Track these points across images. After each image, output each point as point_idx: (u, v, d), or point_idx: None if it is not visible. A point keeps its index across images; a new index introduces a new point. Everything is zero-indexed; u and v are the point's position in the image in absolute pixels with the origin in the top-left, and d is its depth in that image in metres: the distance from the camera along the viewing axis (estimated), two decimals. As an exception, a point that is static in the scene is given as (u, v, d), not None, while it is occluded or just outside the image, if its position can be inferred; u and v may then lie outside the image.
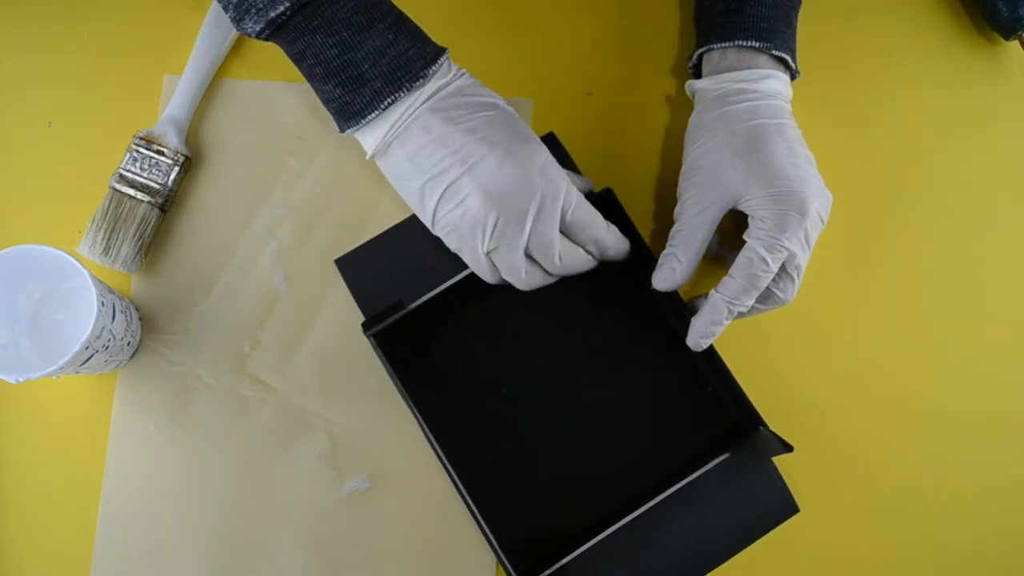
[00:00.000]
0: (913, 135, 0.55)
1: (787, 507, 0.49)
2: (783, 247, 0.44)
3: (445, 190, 0.43)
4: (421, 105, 0.43)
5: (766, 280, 0.45)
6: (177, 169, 0.51)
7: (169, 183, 0.51)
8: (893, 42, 0.57)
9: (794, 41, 0.49)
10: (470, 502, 0.47)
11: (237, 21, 0.43)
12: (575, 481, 0.49)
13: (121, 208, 0.50)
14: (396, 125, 0.43)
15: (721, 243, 0.51)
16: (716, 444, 0.49)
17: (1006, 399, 0.52)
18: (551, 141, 0.52)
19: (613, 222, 0.47)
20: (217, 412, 0.50)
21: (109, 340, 0.45)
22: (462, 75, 0.45)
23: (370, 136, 0.44)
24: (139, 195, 0.50)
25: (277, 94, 0.54)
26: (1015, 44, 0.56)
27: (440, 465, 0.48)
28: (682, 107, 0.55)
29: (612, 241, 0.46)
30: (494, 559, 0.48)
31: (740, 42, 0.47)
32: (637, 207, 0.52)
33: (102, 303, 0.43)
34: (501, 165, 0.43)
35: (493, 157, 0.43)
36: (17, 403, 0.50)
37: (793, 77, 0.49)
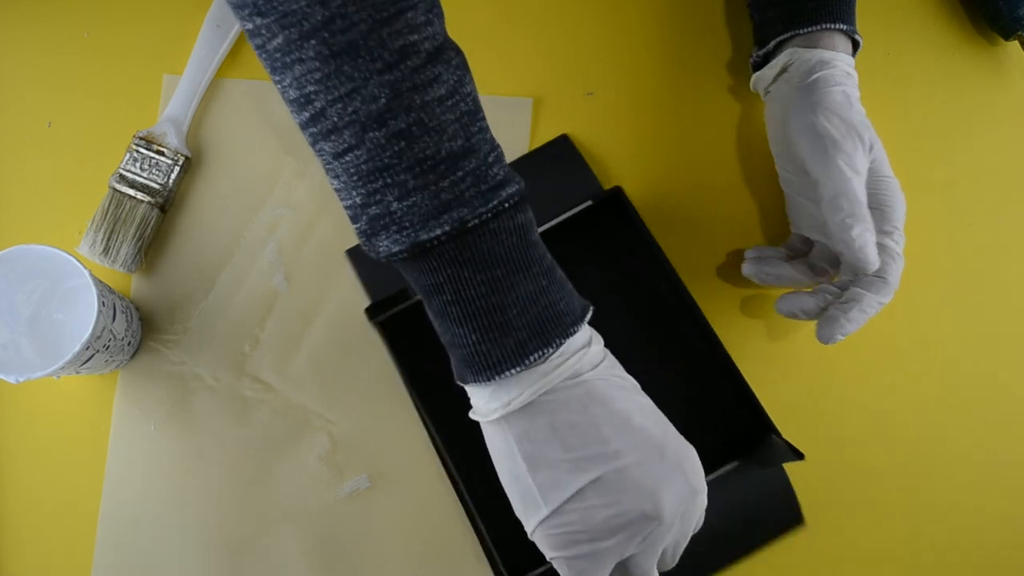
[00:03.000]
0: (912, 135, 0.55)
1: (793, 517, 0.49)
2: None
3: (599, 478, 0.35)
4: (590, 372, 0.36)
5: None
6: (177, 169, 0.51)
7: (169, 183, 0.51)
8: (893, 42, 0.57)
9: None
10: (465, 495, 0.46)
11: (368, 236, 0.36)
12: None
13: (121, 208, 0.50)
14: (545, 385, 0.36)
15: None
16: (726, 449, 0.48)
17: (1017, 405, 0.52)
18: (564, 144, 0.52)
19: (623, 222, 0.45)
20: (217, 412, 0.50)
21: (109, 340, 0.45)
22: (603, 347, 0.39)
23: (501, 394, 0.36)
24: (139, 195, 0.50)
25: (277, 94, 0.53)
26: (1015, 44, 0.56)
27: (440, 463, 0.48)
28: (683, 107, 0.55)
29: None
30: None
31: (826, 25, 0.48)
32: (637, 208, 0.52)
33: (102, 303, 0.43)
34: (672, 474, 0.36)
35: (667, 462, 0.36)
36: (17, 403, 0.50)
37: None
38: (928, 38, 0.57)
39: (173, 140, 0.51)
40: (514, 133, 0.54)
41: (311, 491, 0.49)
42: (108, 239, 0.50)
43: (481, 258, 0.34)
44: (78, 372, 0.45)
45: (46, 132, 0.53)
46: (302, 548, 0.49)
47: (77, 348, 0.42)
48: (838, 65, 0.48)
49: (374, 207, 0.35)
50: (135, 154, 0.51)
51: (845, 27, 0.48)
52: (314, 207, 0.52)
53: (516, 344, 0.35)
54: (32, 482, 0.49)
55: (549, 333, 0.35)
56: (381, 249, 0.35)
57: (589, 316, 0.38)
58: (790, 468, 0.49)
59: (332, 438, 0.50)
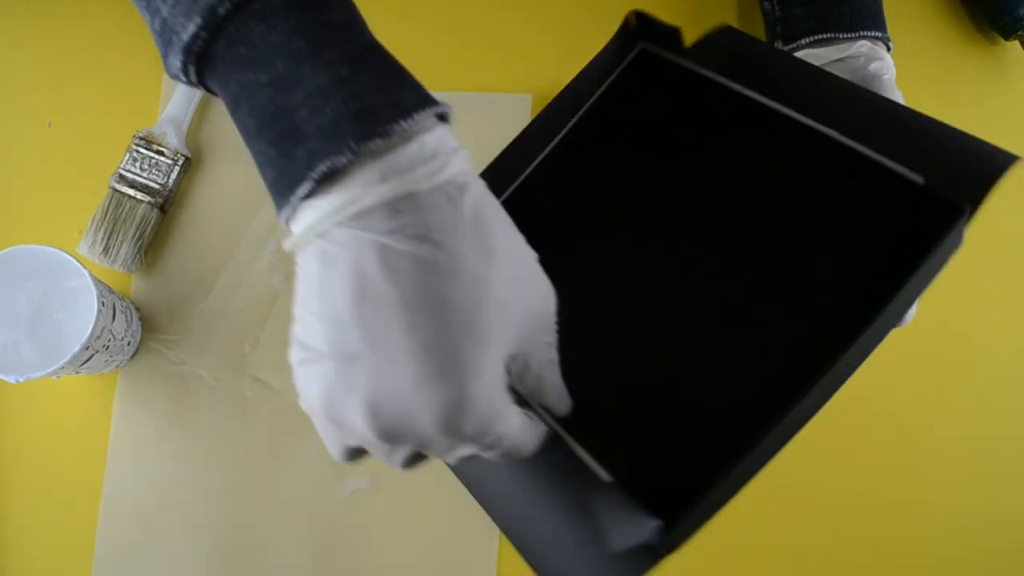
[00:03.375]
0: (913, 135, 0.55)
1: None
2: None
3: (343, 355, 0.27)
4: (413, 215, 0.27)
5: None
6: (177, 169, 0.51)
7: (169, 183, 0.51)
8: (892, 41, 0.56)
9: None
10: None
11: (165, 58, 0.30)
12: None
13: (121, 208, 0.50)
14: (329, 220, 0.27)
15: None
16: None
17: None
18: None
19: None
20: (217, 412, 0.50)
21: (109, 340, 0.45)
22: (479, 182, 0.29)
23: (303, 220, 0.28)
24: (139, 195, 0.50)
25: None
26: (1015, 44, 0.56)
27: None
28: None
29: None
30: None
31: (864, 32, 0.49)
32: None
33: (102, 303, 0.43)
34: (418, 391, 0.26)
35: (417, 374, 0.26)
36: (17, 403, 0.50)
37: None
38: (928, 38, 0.57)
39: (173, 140, 0.51)
40: (513, 130, 0.53)
41: (312, 491, 0.49)
42: (108, 239, 0.50)
43: (258, 53, 0.28)
44: (78, 372, 0.45)
45: (46, 132, 0.53)
46: (303, 548, 0.49)
47: (77, 348, 0.42)
48: (891, 71, 0.49)
49: (157, 20, 0.29)
50: (135, 154, 0.51)
51: (880, 34, 0.49)
52: (314, 207, 0.52)
53: (307, 155, 0.27)
54: (31, 482, 0.49)
55: (342, 135, 0.27)
56: (173, 69, 0.30)
57: (430, 112, 0.28)
58: None
59: (332, 438, 0.50)
